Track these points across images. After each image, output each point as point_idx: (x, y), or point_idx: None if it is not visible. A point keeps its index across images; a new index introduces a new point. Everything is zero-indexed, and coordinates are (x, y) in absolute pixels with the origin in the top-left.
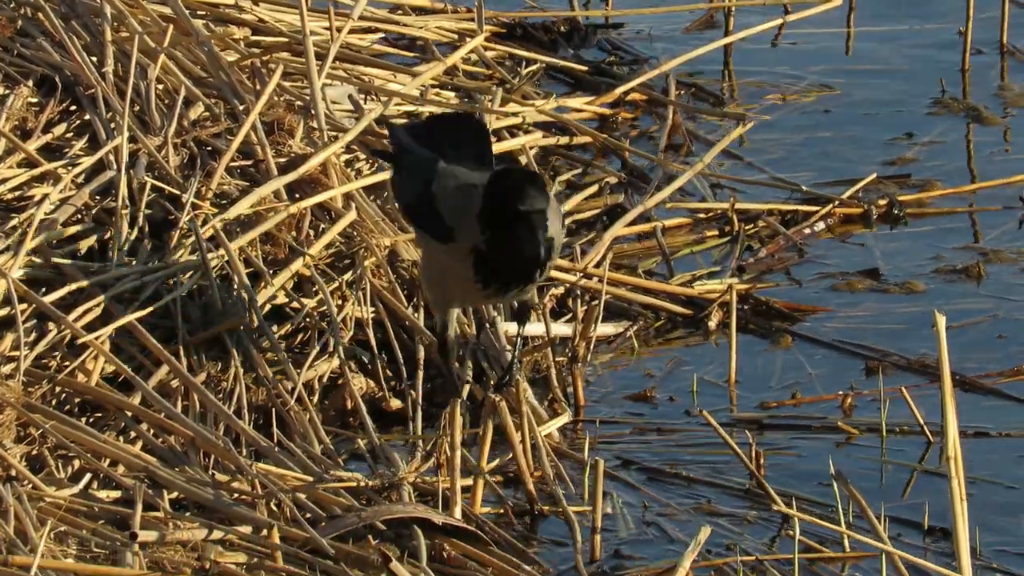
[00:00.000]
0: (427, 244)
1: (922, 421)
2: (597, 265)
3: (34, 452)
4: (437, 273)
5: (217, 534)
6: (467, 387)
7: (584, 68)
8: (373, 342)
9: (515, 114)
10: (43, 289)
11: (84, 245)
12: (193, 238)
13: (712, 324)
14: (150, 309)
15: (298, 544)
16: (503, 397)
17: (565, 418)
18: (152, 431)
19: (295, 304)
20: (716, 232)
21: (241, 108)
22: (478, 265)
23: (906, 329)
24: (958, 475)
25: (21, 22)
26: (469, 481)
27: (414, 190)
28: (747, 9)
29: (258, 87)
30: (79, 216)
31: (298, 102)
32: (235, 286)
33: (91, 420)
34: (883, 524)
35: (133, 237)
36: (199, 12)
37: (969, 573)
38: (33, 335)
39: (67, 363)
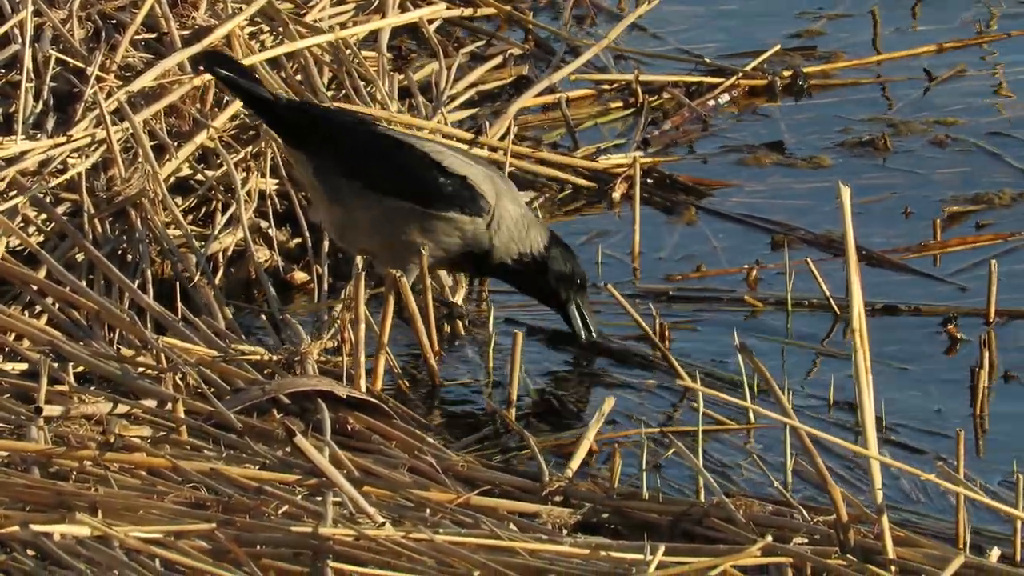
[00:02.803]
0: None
1: (828, 294)
2: (502, 137)
3: None
4: (428, 241)
5: (122, 408)
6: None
7: None
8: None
9: None
10: None
11: None
12: (98, 111)
13: (616, 196)
14: (55, 182)
15: (203, 418)
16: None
17: (463, 291)
18: (57, 305)
19: (199, 176)
20: (620, 104)
21: None
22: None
23: (812, 205)
24: (863, 347)
25: None
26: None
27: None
28: None
29: None
30: None
31: None
32: (139, 159)
33: None
34: (787, 397)
35: (38, 110)
36: None
37: (874, 446)
38: None
39: None
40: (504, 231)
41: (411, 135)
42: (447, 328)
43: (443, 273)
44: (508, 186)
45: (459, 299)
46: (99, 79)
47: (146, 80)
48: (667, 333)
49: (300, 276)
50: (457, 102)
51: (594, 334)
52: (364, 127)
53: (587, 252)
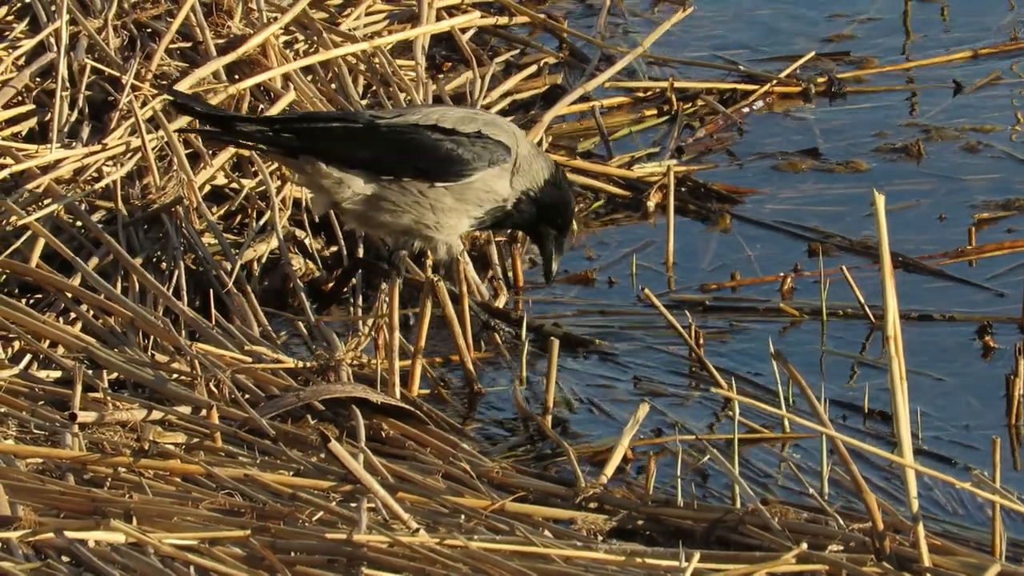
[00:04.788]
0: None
1: (863, 303)
2: (537, 145)
3: None
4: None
5: (156, 415)
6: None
7: None
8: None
9: None
10: None
11: (25, 127)
12: (133, 119)
13: (651, 206)
14: (90, 190)
15: (237, 424)
16: (441, 277)
17: (504, 298)
18: (92, 312)
19: (234, 184)
20: (655, 111)
21: None
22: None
23: (847, 210)
24: (898, 355)
25: None
26: (407, 363)
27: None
28: None
29: None
30: (20, 98)
31: None
32: (174, 167)
33: (31, 301)
34: (824, 406)
35: (74, 119)
36: None
37: (910, 454)
38: None
39: (7, 245)
40: (522, 172)
41: (404, 112)
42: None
43: (477, 279)
44: (510, 125)
45: (500, 304)
46: (134, 88)
47: (181, 88)
48: (702, 342)
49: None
50: (492, 111)
51: (552, 276)
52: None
53: (622, 262)
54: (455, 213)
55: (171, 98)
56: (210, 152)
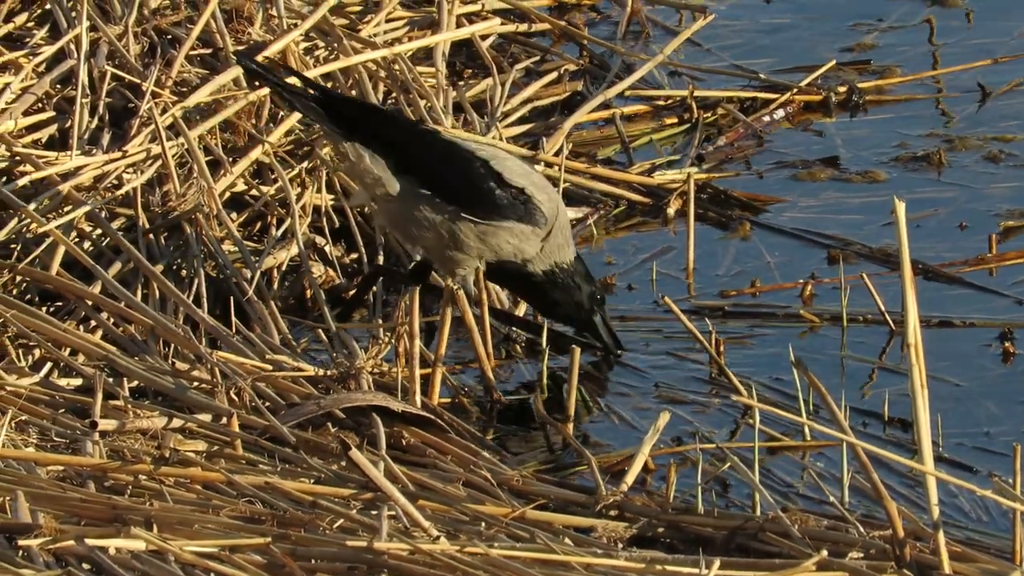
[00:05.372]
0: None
1: (883, 309)
2: (556, 154)
3: None
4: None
5: (177, 422)
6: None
7: None
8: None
9: (474, 0)
10: (3, 178)
11: (45, 134)
12: (153, 126)
13: (671, 212)
14: (110, 198)
15: (257, 432)
16: (460, 286)
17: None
18: (112, 320)
19: (254, 192)
20: (675, 119)
21: None
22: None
23: (866, 219)
24: (919, 362)
25: None
26: (427, 370)
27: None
28: None
29: None
30: (40, 105)
31: None
32: (194, 174)
33: (52, 309)
34: (844, 414)
35: (94, 126)
36: None
37: (930, 461)
38: None
39: (28, 252)
40: (552, 243)
41: (471, 141)
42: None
43: (498, 287)
44: (556, 195)
45: (520, 312)
46: (154, 94)
47: (201, 95)
48: (722, 349)
49: (353, 291)
50: (512, 118)
51: (623, 348)
52: (427, 132)
53: (642, 268)
54: (474, 251)
55: (243, 66)
56: (230, 159)
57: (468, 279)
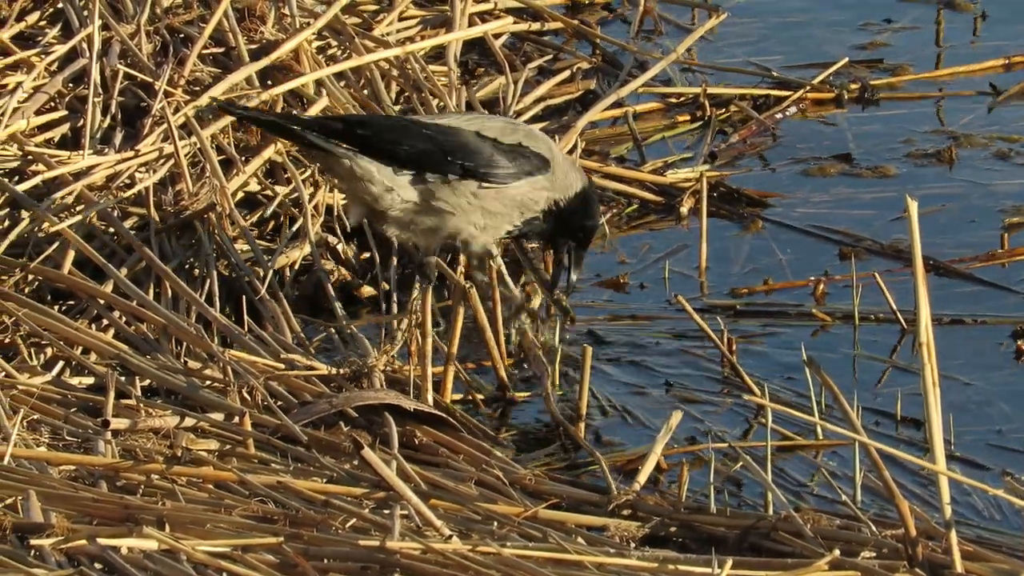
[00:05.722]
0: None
1: (895, 308)
2: (569, 152)
3: (7, 340)
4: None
5: (189, 421)
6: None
7: None
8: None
9: None
10: (16, 177)
11: (57, 133)
12: (165, 125)
13: (684, 210)
14: (122, 197)
15: (270, 431)
16: (473, 283)
17: (537, 302)
18: (124, 319)
19: (267, 191)
20: (688, 117)
21: None
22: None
23: (877, 214)
24: (931, 361)
25: None
26: (440, 369)
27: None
28: None
29: None
30: (52, 104)
31: None
32: (207, 173)
33: (64, 308)
34: (856, 413)
35: (106, 125)
36: None
37: (942, 460)
38: (6, 223)
39: (40, 251)
40: (556, 184)
41: (442, 117)
42: (515, 341)
43: (511, 282)
44: (546, 138)
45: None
46: (167, 93)
47: (214, 94)
48: (735, 347)
49: (367, 290)
50: (525, 117)
51: (568, 288)
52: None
53: (655, 266)
54: (500, 217)
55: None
56: (242, 159)
57: (491, 247)
